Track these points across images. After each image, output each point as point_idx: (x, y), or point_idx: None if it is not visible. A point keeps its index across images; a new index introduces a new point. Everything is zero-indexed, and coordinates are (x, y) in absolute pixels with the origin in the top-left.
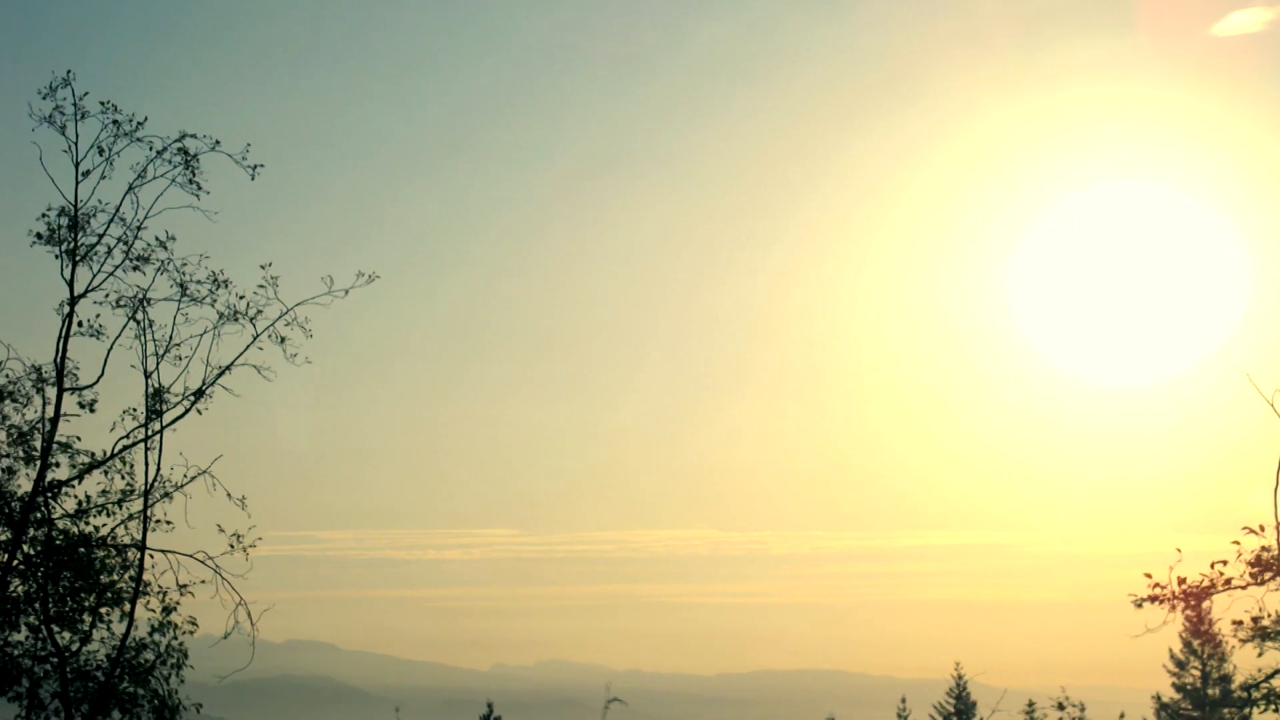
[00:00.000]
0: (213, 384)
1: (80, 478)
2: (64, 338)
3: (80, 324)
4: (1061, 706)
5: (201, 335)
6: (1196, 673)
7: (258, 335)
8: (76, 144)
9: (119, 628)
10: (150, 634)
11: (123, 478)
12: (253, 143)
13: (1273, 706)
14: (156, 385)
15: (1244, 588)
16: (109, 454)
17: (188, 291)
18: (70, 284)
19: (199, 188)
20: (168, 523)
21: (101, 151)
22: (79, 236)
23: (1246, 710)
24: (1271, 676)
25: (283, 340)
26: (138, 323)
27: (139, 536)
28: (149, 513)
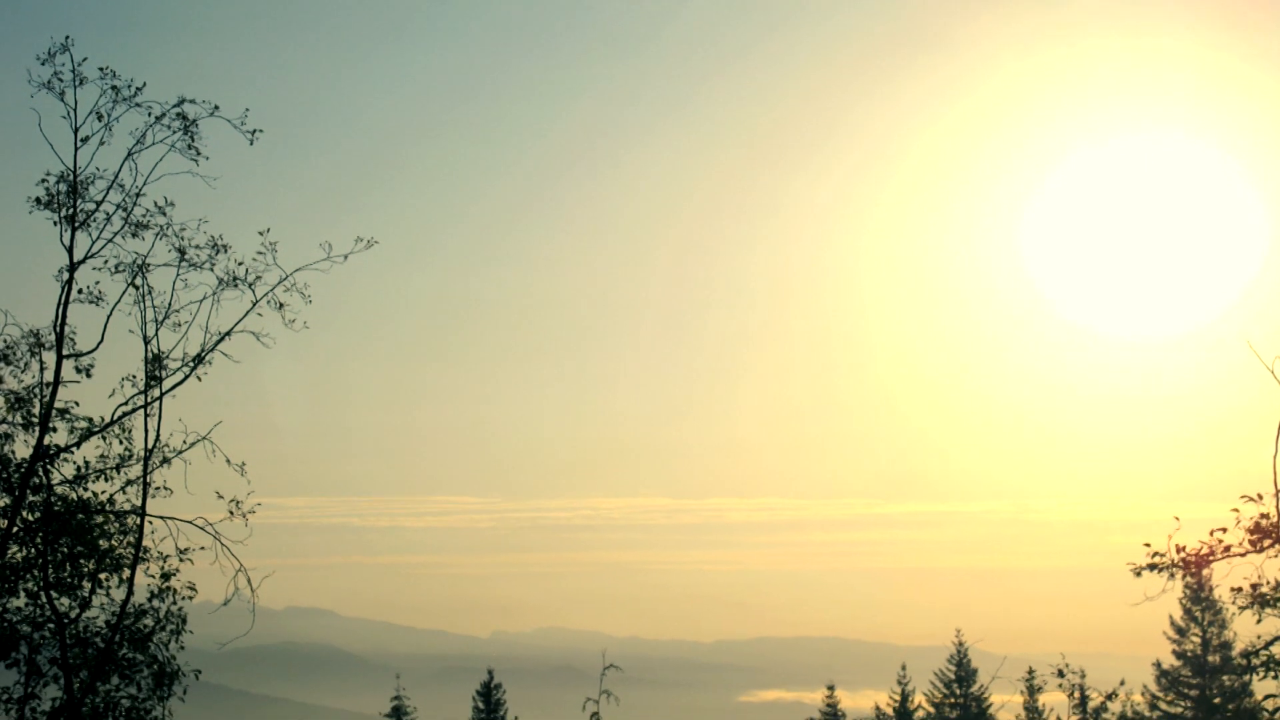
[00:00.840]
0: (212, 350)
1: (79, 444)
2: (63, 304)
3: (79, 290)
4: (1061, 674)
5: (201, 301)
6: (1197, 640)
7: (257, 301)
8: (75, 110)
9: (118, 594)
10: (149, 600)
11: (122, 443)
12: (252, 109)
13: (1272, 673)
14: (156, 351)
15: (1243, 555)
16: (108, 420)
17: (187, 257)
18: (69, 250)
19: (198, 153)
20: (167, 489)
21: (100, 117)
22: (78, 202)
23: (1246, 677)
24: (1271, 643)
25: (281, 306)
26: (137, 288)
27: (138, 502)
28: (148, 479)
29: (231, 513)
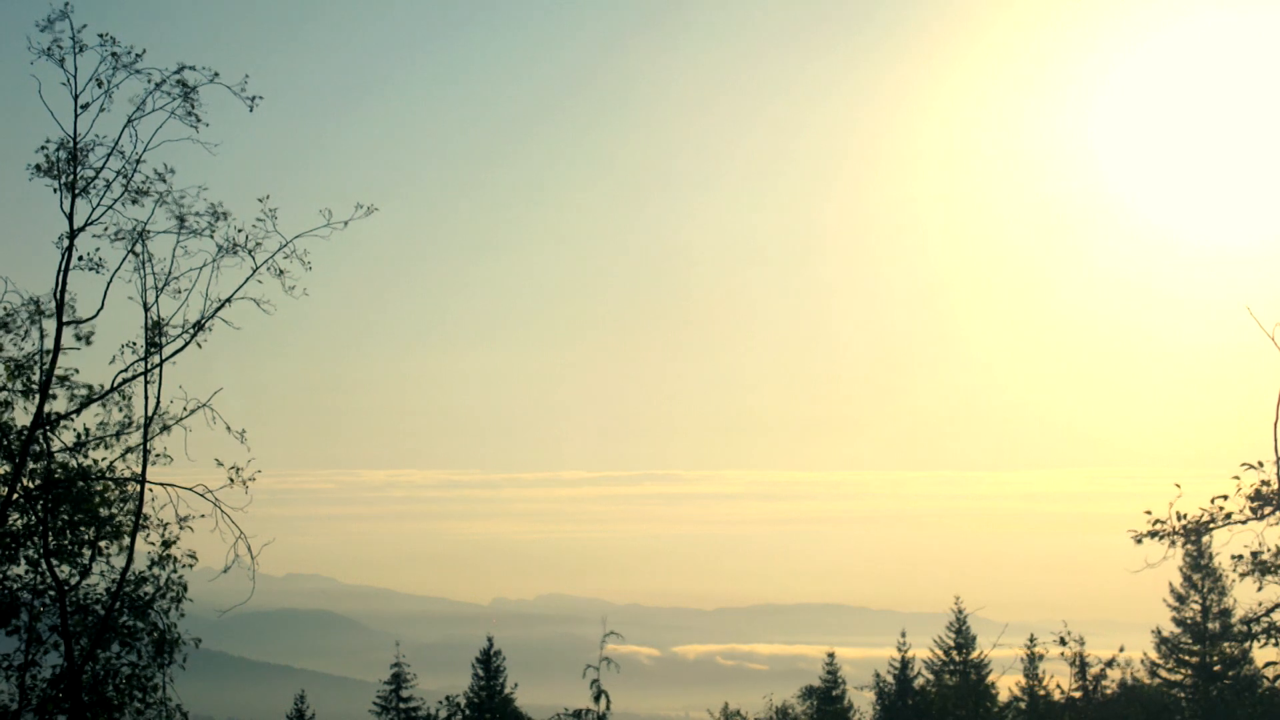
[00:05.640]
0: (212, 317)
1: (79, 411)
2: (63, 271)
3: (80, 257)
4: (1062, 640)
5: (201, 268)
6: (1197, 607)
7: (257, 268)
8: (75, 77)
9: (118, 561)
10: (150, 567)
11: (122, 411)
12: (252, 75)
13: (1273, 640)
14: (156, 318)
15: (1243, 522)
16: (108, 387)
17: (186, 224)
18: (69, 217)
19: (198, 120)
20: (167, 456)
21: (100, 84)
22: (78, 169)
23: (1247, 644)
24: (1271, 611)
25: (281, 273)
26: (137, 255)
27: (138, 469)
28: (148, 446)
29: (232, 480)
